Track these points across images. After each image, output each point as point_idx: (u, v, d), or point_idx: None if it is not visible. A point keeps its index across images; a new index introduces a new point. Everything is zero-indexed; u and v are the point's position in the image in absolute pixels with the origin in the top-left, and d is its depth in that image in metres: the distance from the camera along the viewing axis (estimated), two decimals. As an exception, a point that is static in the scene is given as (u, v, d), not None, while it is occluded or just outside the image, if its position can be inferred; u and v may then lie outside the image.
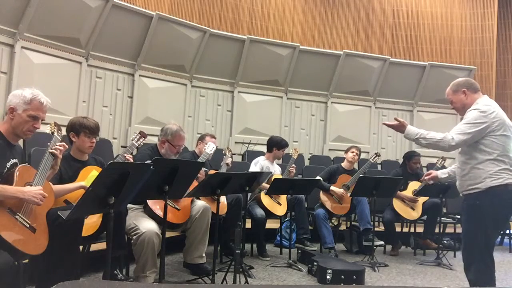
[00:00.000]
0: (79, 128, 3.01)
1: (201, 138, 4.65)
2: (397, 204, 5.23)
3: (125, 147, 3.41)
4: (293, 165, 4.93)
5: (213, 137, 4.59)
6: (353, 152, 5.30)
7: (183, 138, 3.64)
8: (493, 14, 9.19)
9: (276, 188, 4.39)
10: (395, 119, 3.04)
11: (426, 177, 3.39)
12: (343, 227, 5.64)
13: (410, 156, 5.52)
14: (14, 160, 2.45)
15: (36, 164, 2.46)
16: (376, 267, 4.44)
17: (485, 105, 2.79)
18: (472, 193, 2.75)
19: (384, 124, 3.14)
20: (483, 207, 2.69)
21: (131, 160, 3.15)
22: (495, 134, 2.71)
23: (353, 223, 5.58)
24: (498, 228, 2.84)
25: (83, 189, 2.76)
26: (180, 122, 5.65)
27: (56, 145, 2.50)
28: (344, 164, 5.37)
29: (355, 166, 5.63)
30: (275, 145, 5.06)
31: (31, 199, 2.23)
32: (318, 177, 5.11)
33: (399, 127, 3.00)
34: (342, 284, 3.75)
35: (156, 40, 6.36)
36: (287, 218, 5.06)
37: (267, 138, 5.34)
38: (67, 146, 2.59)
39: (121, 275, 3.15)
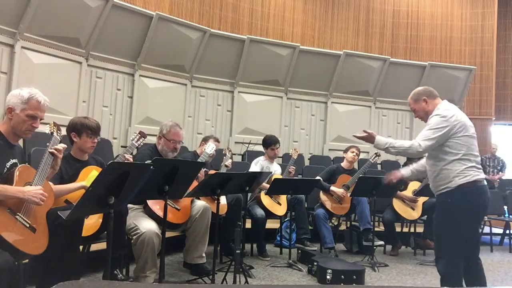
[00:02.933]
0: (81, 128, 3.01)
1: (205, 140, 4.64)
2: (397, 204, 5.23)
3: (125, 147, 3.41)
4: (292, 166, 4.93)
5: (217, 140, 4.54)
6: (353, 152, 5.29)
7: (178, 133, 3.63)
8: (493, 14, 9.20)
9: (276, 188, 4.39)
10: (364, 131, 3.16)
11: (391, 177, 3.38)
12: (343, 227, 5.64)
13: (413, 159, 5.48)
14: (14, 160, 2.44)
15: (36, 164, 2.45)
16: (376, 267, 4.44)
17: (445, 110, 2.96)
18: (444, 193, 2.90)
19: (354, 136, 3.23)
20: (455, 204, 2.83)
21: (131, 160, 3.16)
22: (457, 136, 2.87)
23: (353, 223, 5.58)
24: (471, 223, 2.94)
25: (84, 189, 2.76)
26: (180, 122, 5.62)
27: (56, 146, 2.49)
28: (343, 164, 5.37)
29: (355, 166, 5.63)
30: (264, 145, 5.10)
31: (31, 198, 2.23)
32: (318, 177, 5.11)
33: (369, 138, 3.12)
34: (342, 284, 3.75)
35: (156, 40, 6.35)
36: (287, 218, 5.06)
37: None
38: (65, 146, 2.59)
39: (121, 275, 3.14)
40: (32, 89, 2.47)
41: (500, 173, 7.97)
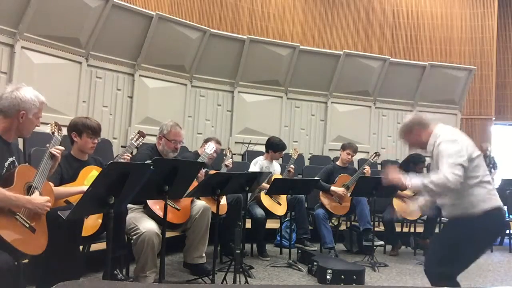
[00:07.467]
0: (82, 129, 3.01)
1: (206, 141, 4.64)
2: (397, 204, 5.22)
3: (125, 147, 3.41)
4: (291, 166, 4.93)
5: (218, 142, 4.53)
6: (349, 153, 5.29)
7: (179, 132, 3.63)
8: (493, 14, 9.20)
9: (276, 188, 4.39)
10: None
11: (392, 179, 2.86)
12: (343, 227, 5.64)
13: (417, 161, 5.45)
14: (12, 159, 2.42)
15: (36, 164, 2.45)
16: (376, 267, 4.44)
17: (448, 134, 2.67)
18: (466, 217, 2.62)
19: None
20: (479, 228, 2.57)
21: (128, 159, 3.16)
22: (471, 157, 2.61)
23: (353, 223, 5.58)
24: (486, 247, 2.82)
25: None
26: (180, 122, 5.63)
27: (56, 147, 2.49)
28: (339, 163, 5.38)
29: (356, 166, 5.63)
30: (271, 147, 5.05)
31: (37, 210, 2.26)
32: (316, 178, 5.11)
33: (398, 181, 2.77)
34: (342, 284, 3.75)
35: (156, 40, 6.35)
36: (287, 218, 5.06)
37: (267, 138, 5.33)
38: (63, 149, 2.58)
39: (121, 275, 3.15)
40: (35, 91, 2.46)
41: (493, 170, 7.97)
